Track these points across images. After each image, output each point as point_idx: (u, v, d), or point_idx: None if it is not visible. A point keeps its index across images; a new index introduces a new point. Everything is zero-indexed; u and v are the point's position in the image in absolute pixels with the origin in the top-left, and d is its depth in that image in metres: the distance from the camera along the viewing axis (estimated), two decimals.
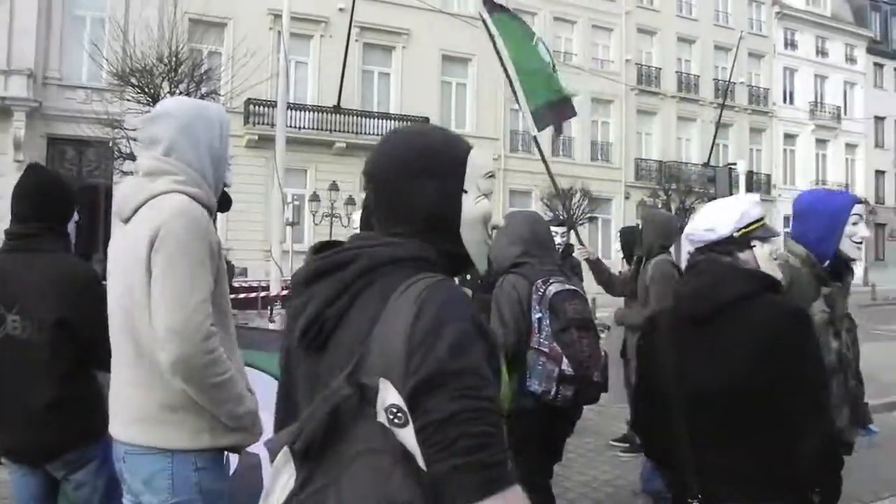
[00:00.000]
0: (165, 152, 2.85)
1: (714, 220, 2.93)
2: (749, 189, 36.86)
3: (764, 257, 2.93)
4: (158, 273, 2.62)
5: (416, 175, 1.73)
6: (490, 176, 1.84)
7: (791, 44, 49.34)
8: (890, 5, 56.54)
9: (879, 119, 53.25)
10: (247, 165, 30.63)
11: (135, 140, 2.87)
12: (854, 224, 3.53)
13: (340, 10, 32.69)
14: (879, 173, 53.99)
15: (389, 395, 1.46)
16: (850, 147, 51.77)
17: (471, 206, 1.78)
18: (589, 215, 37.03)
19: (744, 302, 2.68)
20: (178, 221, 2.68)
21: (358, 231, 1.95)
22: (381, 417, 1.46)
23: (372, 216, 1.79)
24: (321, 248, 1.79)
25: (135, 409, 2.72)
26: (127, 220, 2.80)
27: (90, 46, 25.99)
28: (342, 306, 1.63)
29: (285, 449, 1.52)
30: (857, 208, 3.61)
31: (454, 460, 1.41)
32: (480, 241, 1.80)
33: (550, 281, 4.28)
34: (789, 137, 48.87)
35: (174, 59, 23.35)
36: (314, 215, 29.47)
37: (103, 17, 28.64)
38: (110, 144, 24.20)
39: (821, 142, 50.34)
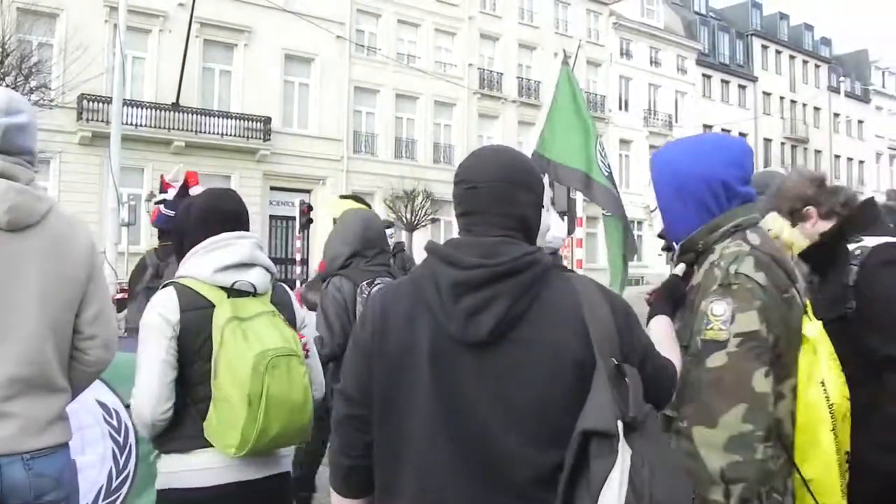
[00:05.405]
0: (31, 162, 2.81)
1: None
2: None
3: None
4: (101, 285, 2.89)
5: (518, 185, 2.08)
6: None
7: (626, 53, 51.14)
8: (717, 20, 59.46)
9: (707, 127, 55.73)
10: (79, 164, 29.58)
11: None
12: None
13: (180, 4, 31.80)
14: None
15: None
16: None
17: (545, 217, 2.23)
18: (432, 217, 37.42)
19: None
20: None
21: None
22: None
23: (468, 216, 2.09)
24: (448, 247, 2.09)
25: (51, 413, 2.77)
26: (21, 229, 2.67)
27: None
28: (526, 303, 1.95)
29: (620, 430, 1.80)
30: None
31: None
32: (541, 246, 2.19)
33: (376, 282, 4.30)
34: (624, 143, 50.57)
35: (0, 49, 22.32)
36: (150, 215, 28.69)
37: None
38: None
39: (654, 147, 52.07)
